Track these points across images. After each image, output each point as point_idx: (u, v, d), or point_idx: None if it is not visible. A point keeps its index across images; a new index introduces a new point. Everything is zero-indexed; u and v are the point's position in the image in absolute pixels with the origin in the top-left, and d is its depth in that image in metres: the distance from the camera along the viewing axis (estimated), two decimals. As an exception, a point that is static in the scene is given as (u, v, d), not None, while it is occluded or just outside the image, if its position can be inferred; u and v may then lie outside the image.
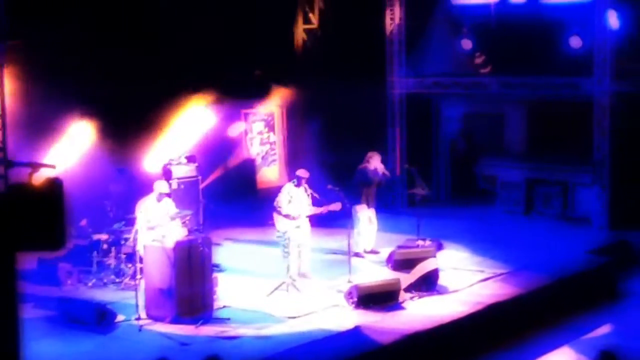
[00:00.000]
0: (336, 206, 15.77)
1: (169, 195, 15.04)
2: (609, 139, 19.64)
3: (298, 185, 15.74)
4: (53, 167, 7.33)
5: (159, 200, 14.64)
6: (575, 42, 19.85)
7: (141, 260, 14.35)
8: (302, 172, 15.86)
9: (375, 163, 17.56)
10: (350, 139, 20.99)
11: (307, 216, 15.77)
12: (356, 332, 12.96)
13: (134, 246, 14.66)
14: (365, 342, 12.52)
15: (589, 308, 15.40)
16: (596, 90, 19.60)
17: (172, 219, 14.38)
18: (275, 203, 15.72)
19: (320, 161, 21.00)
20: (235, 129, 21.89)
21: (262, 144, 22.74)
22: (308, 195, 15.73)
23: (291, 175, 20.36)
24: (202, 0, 20.48)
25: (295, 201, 15.64)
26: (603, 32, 19.37)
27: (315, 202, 15.77)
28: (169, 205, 14.75)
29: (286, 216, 15.56)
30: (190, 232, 14.30)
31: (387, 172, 17.71)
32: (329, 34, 23.41)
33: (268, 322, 13.72)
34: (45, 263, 15.57)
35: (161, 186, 14.76)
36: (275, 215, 15.68)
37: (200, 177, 17.95)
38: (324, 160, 21.46)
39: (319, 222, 16.22)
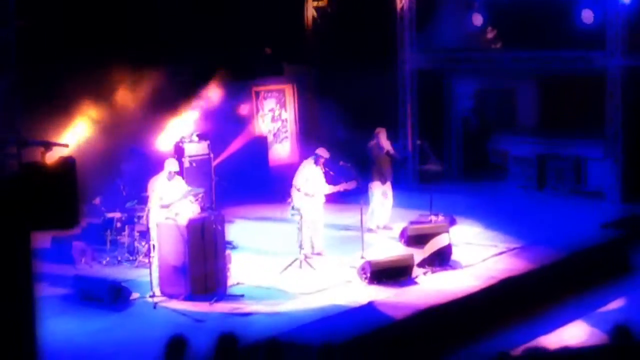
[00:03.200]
0: (352, 184, 15.79)
1: (179, 173, 15.06)
2: (621, 112, 19.58)
3: (316, 163, 15.73)
4: (66, 146, 7.38)
5: (169, 178, 14.66)
6: (587, 15, 19.75)
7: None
8: (322, 152, 15.79)
9: (382, 139, 17.57)
10: (361, 115, 20.96)
11: (324, 194, 15.79)
12: (370, 307, 13.01)
13: (148, 224, 14.71)
14: (378, 318, 12.57)
15: (602, 282, 15.39)
16: (608, 64, 19.52)
17: (184, 196, 14.41)
18: (294, 181, 15.72)
19: (332, 138, 20.97)
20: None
21: (273, 121, 22.73)
22: (322, 172, 15.74)
23: (302, 152, 20.39)
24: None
25: (313, 180, 15.64)
26: (615, 6, 19.26)
27: (330, 180, 15.78)
28: (180, 184, 14.78)
29: (305, 194, 15.57)
30: (203, 209, 14.33)
31: (392, 150, 17.66)
32: (339, 11, 23.33)
33: (281, 298, 13.78)
34: (59, 242, 15.64)
35: (171, 164, 14.78)
36: (293, 192, 15.68)
37: (212, 155, 17.95)
38: (335, 137, 21.44)
39: (331, 198, 16.22)
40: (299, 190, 15.61)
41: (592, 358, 9.65)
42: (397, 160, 18.11)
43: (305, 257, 15.23)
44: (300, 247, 15.20)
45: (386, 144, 17.56)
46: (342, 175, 15.93)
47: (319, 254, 15.82)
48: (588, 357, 9.84)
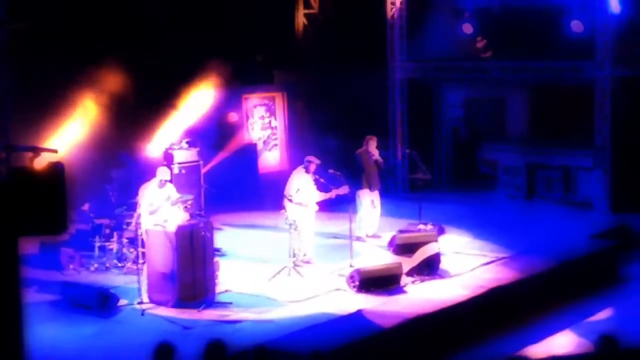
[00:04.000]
0: (344, 189, 15.81)
1: (170, 181, 15.05)
2: (610, 122, 19.62)
3: (307, 171, 15.72)
4: (55, 151, 7.35)
5: (160, 186, 14.66)
6: (576, 26, 19.79)
7: (143, 245, 14.40)
8: (312, 158, 15.82)
9: (371, 147, 17.59)
10: (351, 123, 20.97)
11: (317, 202, 15.78)
12: (358, 316, 12.99)
13: (136, 230, 14.69)
14: (367, 326, 12.55)
15: (591, 292, 15.41)
16: (598, 74, 19.57)
17: (174, 204, 14.40)
18: (285, 192, 15.72)
19: (322, 146, 20.98)
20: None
21: (263, 128, 22.71)
22: (314, 180, 15.73)
23: (292, 160, 20.39)
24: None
25: (305, 188, 15.62)
26: (605, 16, 19.32)
27: (321, 187, 15.78)
28: (171, 191, 14.77)
29: (298, 204, 15.56)
30: (192, 216, 14.31)
31: (379, 159, 17.66)
32: (329, 19, 23.36)
33: (270, 306, 13.75)
34: (47, 248, 15.61)
35: (163, 173, 14.79)
36: (286, 202, 15.66)
37: (201, 162, 17.96)
38: (325, 145, 21.45)
39: (320, 206, 16.22)
40: (291, 200, 15.59)
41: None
42: (382, 170, 18.10)
43: (294, 265, 15.21)
44: (290, 255, 15.17)
45: (375, 153, 17.58)
46: (332, 182, 15.93)
47: (307, 262, 15.80)
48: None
